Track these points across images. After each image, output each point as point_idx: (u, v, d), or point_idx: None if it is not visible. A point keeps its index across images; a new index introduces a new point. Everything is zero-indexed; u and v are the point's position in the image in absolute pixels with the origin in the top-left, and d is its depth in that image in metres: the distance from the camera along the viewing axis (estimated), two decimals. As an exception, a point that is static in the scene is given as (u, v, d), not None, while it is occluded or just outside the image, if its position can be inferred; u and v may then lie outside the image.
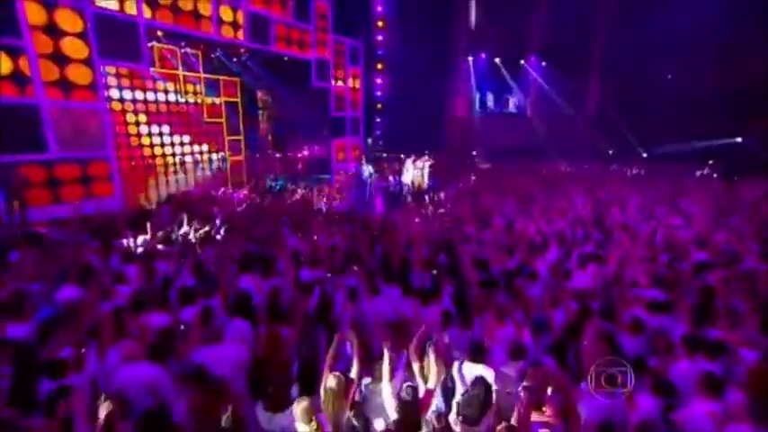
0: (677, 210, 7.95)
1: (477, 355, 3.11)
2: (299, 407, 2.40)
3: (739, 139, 17.14)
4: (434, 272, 4.44)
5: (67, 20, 7.56)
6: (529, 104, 22.71)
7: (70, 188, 7.75)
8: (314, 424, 2.39)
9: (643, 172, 16.03)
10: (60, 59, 7.52)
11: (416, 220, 7.05)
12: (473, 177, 13.84)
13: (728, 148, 16.92)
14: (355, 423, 2.41)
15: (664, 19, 16.42)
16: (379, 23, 17.31)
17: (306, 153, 18.41)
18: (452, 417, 2.61)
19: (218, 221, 5.84)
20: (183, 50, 13.86)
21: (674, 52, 16.89)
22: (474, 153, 20.80)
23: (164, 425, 2.29)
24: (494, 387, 2.97)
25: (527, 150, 20.33)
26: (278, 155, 18.23)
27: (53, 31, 7.42)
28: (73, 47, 7.65)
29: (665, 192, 10.41)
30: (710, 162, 16.79)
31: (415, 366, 2.95)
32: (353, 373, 2.78)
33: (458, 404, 2.63)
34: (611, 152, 21.29)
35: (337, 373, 2.65)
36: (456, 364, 3.08)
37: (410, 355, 2.95)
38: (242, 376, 2.94)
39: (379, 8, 17.10)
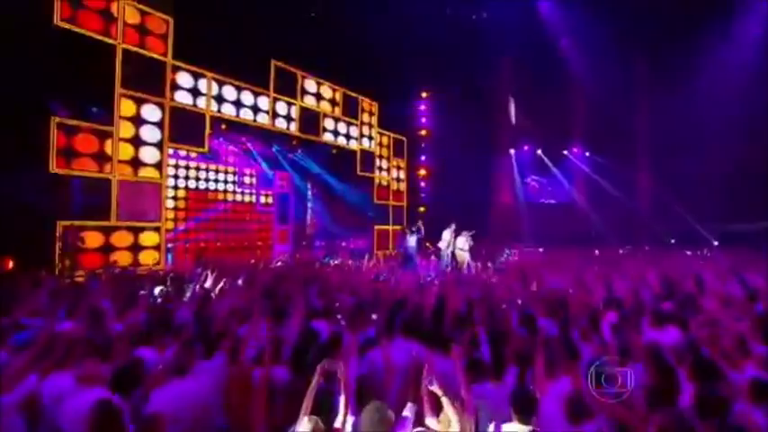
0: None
1: (526, 411, 2.33)
2: None
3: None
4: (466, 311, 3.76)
5: (150, 112, 8.87)
6: (576, 194, 22.25)
7: (121, 254, 8.20)
8: None
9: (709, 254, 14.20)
10: (137, 142, 8.64)
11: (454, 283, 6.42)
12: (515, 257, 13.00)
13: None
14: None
15: (712, 91, 16.03)
16: (423, 119, 18.71)
17: (351, 241, 18.67)
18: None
19: (240, 281, 5.67)
20: (244, 148, 15.58)
21: (727, 124, 16.10)
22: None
23: None
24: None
25: (578, 238, 19.28)
26: (323, 243, 18.62)
27: (137, 120, 8.68)
28: (149, 133, 8.83)
29: (746, 262, 8.85)
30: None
31: (430, 422, 2.31)
32: (339, 421, 2.13)
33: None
34: (672, 241, 19.49)
35: (314, 417, 2.05)
36: (492, 426, 2.34)
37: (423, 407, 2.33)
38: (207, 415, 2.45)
39: (423, 106, 18.65)
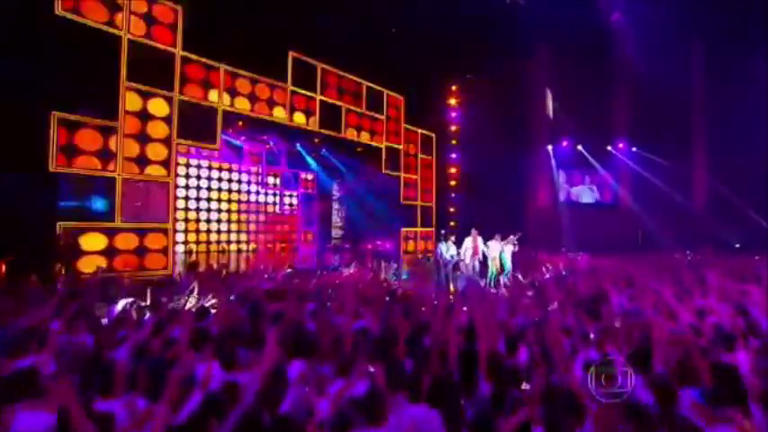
0: None
1: None
2: None
3: None
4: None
5: (157, 106, 8.32)
6: (622, 193, 20.39)
7: (125, 258, 7.67)
8: None
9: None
10: (143, 139, 8.10)
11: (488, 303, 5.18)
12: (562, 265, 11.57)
13: None
14: None
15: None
16: (452, 114, 17.53)
17: (378, 244, 17.78)
18: None
19: (232, 296, 4.79)
20: (267, 147, 15.00)
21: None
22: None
23: None
24: None
25: (625, 242, 17.51)
26: (347, 245, 17.86)
27: (143, 115, 8.15)
28: (156, 128, 8.27)
29: None
30: None
31: None
32: None
33: None
34: (737, 246, 17.31)
35: None
36: None
37: None
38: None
39: (453, 100, 17.47)
